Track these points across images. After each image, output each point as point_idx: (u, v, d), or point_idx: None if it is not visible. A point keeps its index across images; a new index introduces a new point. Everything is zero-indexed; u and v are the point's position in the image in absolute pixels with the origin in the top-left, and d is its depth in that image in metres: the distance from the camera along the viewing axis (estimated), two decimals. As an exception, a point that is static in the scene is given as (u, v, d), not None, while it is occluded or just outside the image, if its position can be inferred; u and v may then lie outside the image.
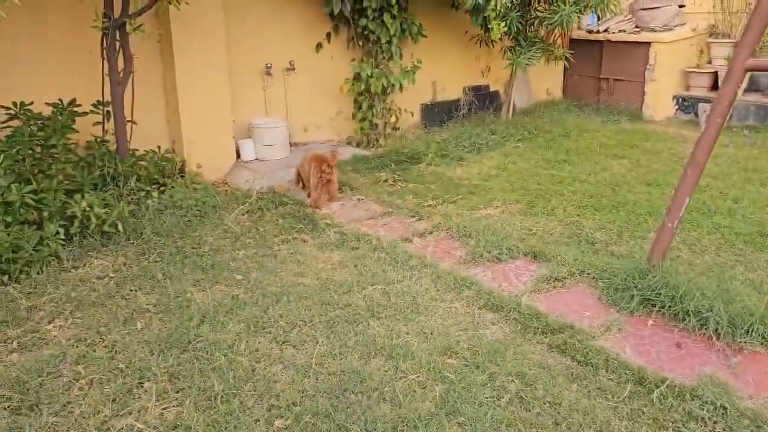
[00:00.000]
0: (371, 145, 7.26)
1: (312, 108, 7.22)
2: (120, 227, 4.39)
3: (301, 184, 5.81)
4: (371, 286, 3.89)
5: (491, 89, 8.93)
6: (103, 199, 4.60)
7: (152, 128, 6.02)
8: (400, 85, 7.01)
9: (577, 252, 4.25)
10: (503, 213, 5.12)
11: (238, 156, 6.57)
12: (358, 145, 7.33)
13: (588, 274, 3.94)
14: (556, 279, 3.89)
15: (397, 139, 7.43)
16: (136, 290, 3.86)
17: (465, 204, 5.32)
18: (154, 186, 5.36)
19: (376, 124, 7.22)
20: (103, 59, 5.17)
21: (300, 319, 3.52)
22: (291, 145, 7.07)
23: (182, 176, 5.83)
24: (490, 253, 4.23)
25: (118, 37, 5.10)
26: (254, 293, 3.82)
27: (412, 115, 7.75)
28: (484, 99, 8.71)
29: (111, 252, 4.32)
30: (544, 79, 9.61)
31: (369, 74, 6.83)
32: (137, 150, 5.66)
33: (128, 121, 5.41)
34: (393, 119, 7.34)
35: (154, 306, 3.67)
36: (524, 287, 3.85)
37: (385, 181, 6.01)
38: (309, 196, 5.59)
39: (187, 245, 4.46)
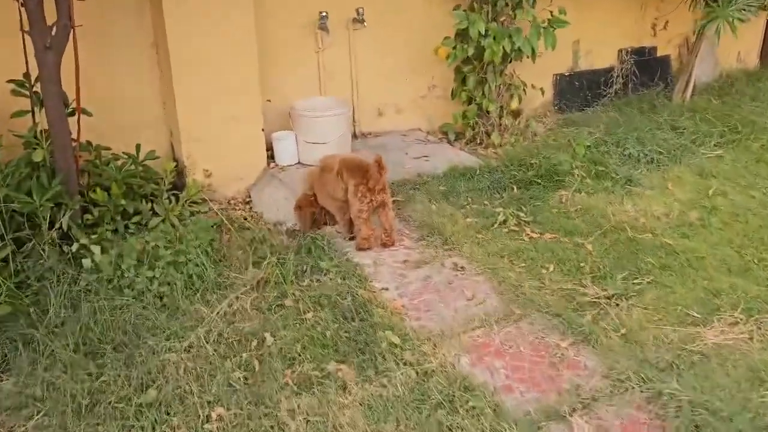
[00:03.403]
0: (479, 142, 4.72)
1: (391, 81, 4.73)
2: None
3: (314, 221, 3.43)
4: None
5: (658, 54, 6.04)
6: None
7: (143, 117, 3.86)
8: (533, 50, 4.38)
9: None
10: (750, 339, 2.51)
11: (273, 158, 4.26)
12: (456, 138, 4.83)
13: None
14: None
15: (520, 133, 4.81)
16: None
17: (660, 306, 2.73)
18: (114, 221, 3.19)
19: (488, 111, 4.64)
20: (20, 5, 2.94)
21: None
22: (357, 137, 4.69)
23: (176, 196, 3.62)
24: None
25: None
26: None
27: (543, 93, 5.06)
28: (647, 68, 5.85)
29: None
30: (736, 39, 6.52)
31: (482, 32, 4.24)
32: (110, 151, 3.54)
33: (72, 110, 3.21)
34: (515, 102, 4.74)
35: None
36: None
37: (504, 222, 3.50)
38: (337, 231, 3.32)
39: (110, 392, 2.22)
